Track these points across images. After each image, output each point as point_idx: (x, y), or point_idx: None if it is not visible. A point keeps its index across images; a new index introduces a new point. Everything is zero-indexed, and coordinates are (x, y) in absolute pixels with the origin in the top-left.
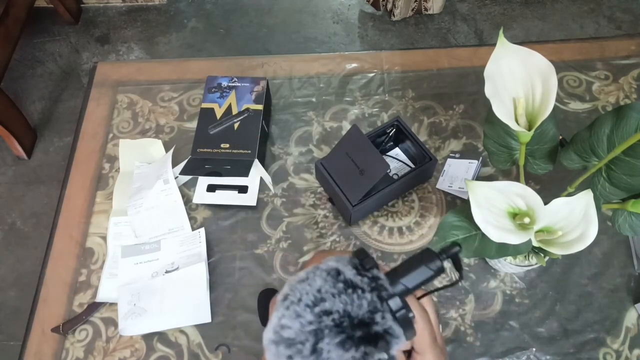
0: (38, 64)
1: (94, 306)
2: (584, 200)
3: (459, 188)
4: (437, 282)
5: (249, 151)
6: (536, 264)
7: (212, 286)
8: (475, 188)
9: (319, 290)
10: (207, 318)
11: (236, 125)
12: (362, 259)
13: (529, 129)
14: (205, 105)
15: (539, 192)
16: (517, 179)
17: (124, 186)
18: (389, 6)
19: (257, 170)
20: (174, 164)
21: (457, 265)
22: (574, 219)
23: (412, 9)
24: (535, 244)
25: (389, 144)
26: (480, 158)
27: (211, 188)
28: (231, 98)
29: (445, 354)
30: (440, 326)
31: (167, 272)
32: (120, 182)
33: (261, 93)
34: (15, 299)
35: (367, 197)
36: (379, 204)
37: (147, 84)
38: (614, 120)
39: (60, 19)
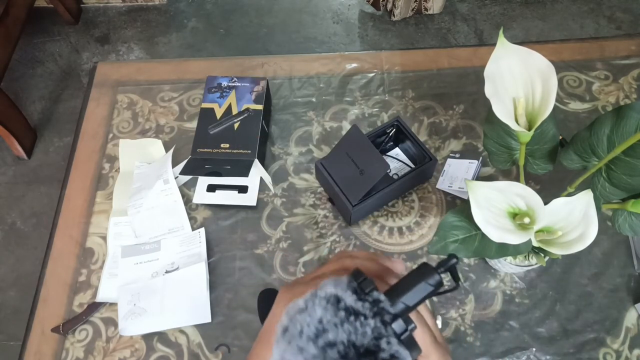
0: (38, 64)
1: (94, 306)
2: (584, 200)
3: (459, 188)
4: None
5: (249, 151)
6: (536, 264)
7: (212, 286)
8: (475, 188)
9: (320, 321)
10: (207, 318)
11: (236, 125)
12: (361, 282)
13: (529, 129)
14: (205, 105)
15: (539, 192)
16: (517, 179)
17: (124, 186)
18: (389, 6)
19: (257, 170)
20: (174, 164)
21: (455, 277)
22: (574, 219)
23: (412, 9)
24: (535, 244)
25: (389, 144)
26: (480, 158)
27: (211, 188)
28: (231, 98)
29: (448, 350)
30: (440, 320)
31: (167, 272)
32: (120, 182)
33: (261, 93)
34: (15, 299)
35: (367, 197)
36: (379, 204)
37: (147, 84)
38: (614, 120)
39: (60, 19)
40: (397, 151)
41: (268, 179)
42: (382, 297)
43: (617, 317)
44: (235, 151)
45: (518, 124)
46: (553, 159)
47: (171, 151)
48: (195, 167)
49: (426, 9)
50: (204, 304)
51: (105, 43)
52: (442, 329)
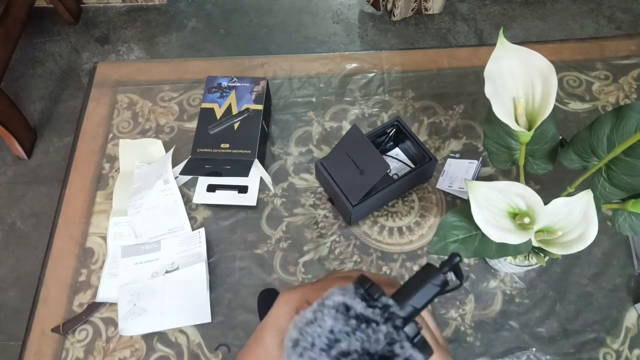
0: (38, 64)
1: (94, 306)
2: (584, 200)
3: (459, 188)
4: None
5: (249, 151)
6: (536, 264)
7: (212, 286)
8: (475, 188)
9: (331, 331)
10: (207, 318)
11: (236, 125)
12: (368, 288)
13: (529, 129)
14: (205, 105)
15: (539, 192)
16: (517, 179)
17: (124, 186)
18: (389, 6)
19: (257, 170)
20: (174, 164)
21: (459, 275)
22: (574, 219)
23: (412, 9)
24: (535, 244)
25: (389, 144)
26: (480, 158)
27: (211, 188)
28: (231, 98)
29: (449, 352)
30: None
31: (167, 272)
32: (120, 182)
33: (261, 93)
34: (15, 299)
35: (367, 197)
36: (379, 204)
37: (147, 84)
38: (614, 120)
39: (60, 19)
40: (397, 151)
41: (268, 179)
42: (391, 301)
43: (617, 317)
44: (235, 151)
45: (518, 124)
46: (553, 159)
47: (171, 151)
48: (195, 167)
49: (426, 9)
50: (204, 304)
51: (105, 43)
52: (442, 329)
